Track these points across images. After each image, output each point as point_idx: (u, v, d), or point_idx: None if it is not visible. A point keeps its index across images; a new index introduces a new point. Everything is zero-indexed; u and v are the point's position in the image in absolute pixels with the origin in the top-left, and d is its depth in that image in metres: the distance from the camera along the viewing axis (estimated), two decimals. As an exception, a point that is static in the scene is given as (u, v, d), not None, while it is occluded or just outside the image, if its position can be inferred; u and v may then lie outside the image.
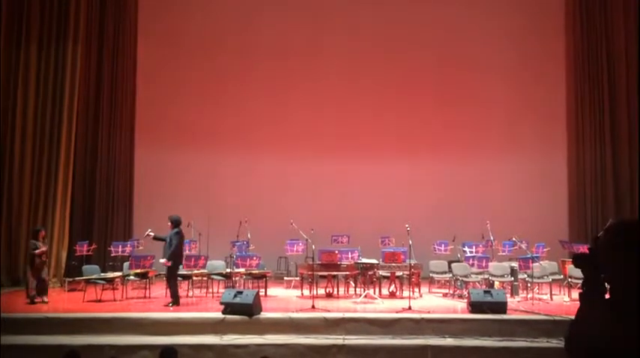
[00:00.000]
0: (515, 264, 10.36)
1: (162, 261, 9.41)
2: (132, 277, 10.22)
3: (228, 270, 10.73)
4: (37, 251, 9.54)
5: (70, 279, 10.99)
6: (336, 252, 10.56)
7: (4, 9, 11.70)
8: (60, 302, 10.08)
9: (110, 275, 10.28)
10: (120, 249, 11.45)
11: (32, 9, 11.97)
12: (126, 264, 10.54)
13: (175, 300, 9.19)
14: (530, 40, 14.12)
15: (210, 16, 14.21)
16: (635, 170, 13.42)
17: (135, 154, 13.94)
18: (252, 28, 14.24)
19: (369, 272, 10.42)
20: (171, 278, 9.41)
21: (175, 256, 9.41)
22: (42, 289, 9.56)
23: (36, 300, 9.37)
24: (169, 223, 9.61)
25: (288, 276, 12.12)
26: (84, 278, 10.05)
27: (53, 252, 11.81)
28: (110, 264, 11.84)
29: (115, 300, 9.58)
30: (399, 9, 14.24)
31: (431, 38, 14.25)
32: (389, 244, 12.17)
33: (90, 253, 11.69)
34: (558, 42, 14.16)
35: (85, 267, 10.45)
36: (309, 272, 10.10)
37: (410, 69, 14.25)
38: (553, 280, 10.53)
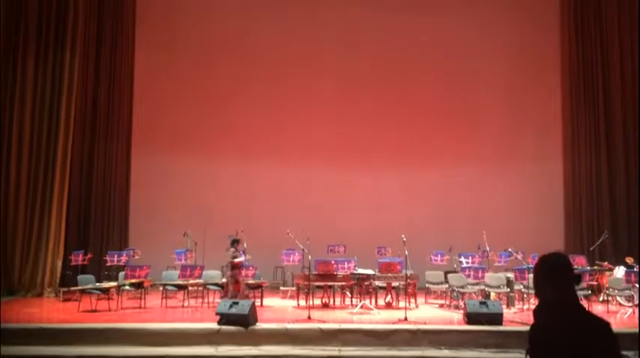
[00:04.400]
0: (511, 275, 10.36)
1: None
2: (127, 287, 10.18)
3: (224, 280, 10.69)
4: (235, 261, 9.63)
5: (65, 289, 10.92)
6: (333, 262, 10.55)
7: (1, 19, 11.72)
8: (55, 312, 10.04)
9: (105, 285, 10.22)
10: (115, 259, 11.40)
11: (30, 19, 12.00)
12: (121, 274, 10.51)
13: None
14: (526, 53, 14.23)
15: (208, 26, 14.27)
16: (632, 181, 13.49)
17: (131, 163, 13.95)
18: (250, 38, 14.30)
19: (365, 283, 10.41)
20: None
21: None
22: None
23: None
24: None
25: (284, 286, 12.10)
26: (79, 288, 10.00)
27: (48, 262, 11.77)
28: (106, 273, 11.79)
29: (110, 310, 9.52)
30: (396, 23, 14.34)
31: (428, 51, 14.34)
32: (385, 254, 12.17)
33: (85, 263, 11.65)
34: (554, 55, 14.30)
35: (80, 277, 10.40)
36: (305, 283, 10.08)
37: (406, 81, 14.32)
38: (549, 291, 10.51)
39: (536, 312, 2.46)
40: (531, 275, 8.68)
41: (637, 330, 8.14)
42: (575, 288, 2.37)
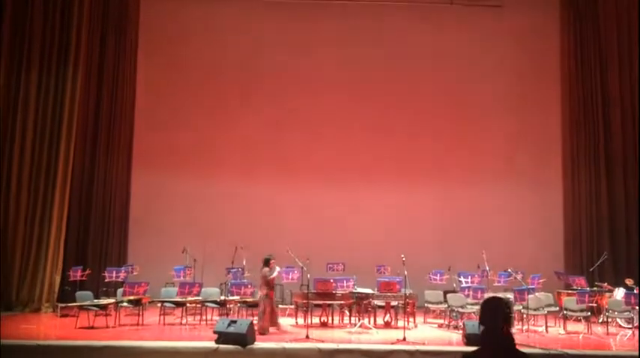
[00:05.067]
0: (510, 295, 10.32)
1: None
2: (125, 304, 10.15)
3: (223, 298, 10.66)
4: (270, 277, 9.58)
5: (63, 305, 10.88)
6: (331, 280, 10.52)
7: (6, 34, 11.83)
8: (52, 328, 10.00)
9: (103, 301, 10.19)
10: (114, 275, 11.38)
11: (34, 34, 12.09)
12: (120, 290, 10.48)
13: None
14: (527, 71, 14.37)
15: (211, 43, 14.39)
16: (630, 202, 13.49)
17: (131, 179, 14.00)
18: (252, 55, 14.41)
19: (364, 302, 10.38)
20: None
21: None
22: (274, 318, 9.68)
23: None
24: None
25: (282, 304, 12.05)
26: (77, 304, 9.96)
27: (47, 277, 11.73)
28: (104, 289, 11.77)
29: (107, 327, 9.48)
30: (398, 38, 14.46)
31: (430, 68, 14.45)
32: (385, 273, 12.14)
33: (84, 278, 11.62)
34: (555, 73, 14.37)
35: (79, 293, 10.38)
36: (304, 301, 10.05)
37: (408, 98, 14.41)
38: (548, 312, 10.49)
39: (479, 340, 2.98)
40: (531, 296, 8.76)
41: (636, 353, 8.12)
42: (507, 326, 2.92)
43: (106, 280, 11.46)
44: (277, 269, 9.82)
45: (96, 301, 10.16)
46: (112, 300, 10.29)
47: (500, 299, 3.02)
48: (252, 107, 14.26)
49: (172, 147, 14.00)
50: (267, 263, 9.66)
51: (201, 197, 13.89)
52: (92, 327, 9.41)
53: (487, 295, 9.32)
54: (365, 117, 14.27)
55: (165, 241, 12.99)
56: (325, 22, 14.51)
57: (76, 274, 11.43)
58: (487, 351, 2.91)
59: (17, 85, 11.97)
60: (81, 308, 9.83)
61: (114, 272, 11.42)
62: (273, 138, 14.24)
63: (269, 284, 9.61)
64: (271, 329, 9.42)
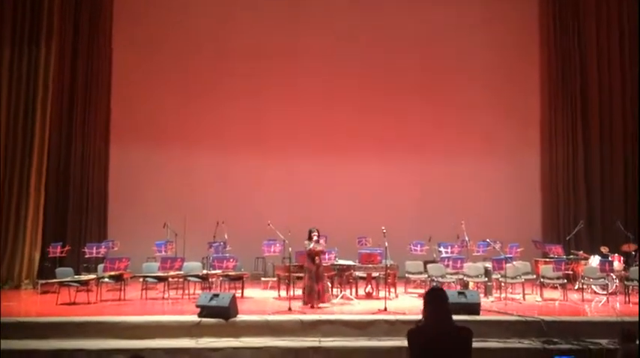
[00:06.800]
0: (489, 265, 10.52)
1: None
2: (106, 279, 10.11)
3: (205, 272, 10.69)
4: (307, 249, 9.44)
5: (43, 281, 10.81)
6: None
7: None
8: (32, 305, 9.95)
9: (84, 277, 10.13)
10: (94, 251, 11.31)
11: (4, 13, 11.78)
12: (100, 266, 10.43)
13: None
14: (507, 46, 14.35)
15: (185, 19, 14.12)
16: (606, 171, 13.75)
17: (109, 155, 13.80)
18: (229, 28, 14.17)
19: (346, 273, 10.49)
20: None
21: None
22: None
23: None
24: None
25: (265, 277, 12.12)
26: (57, 280, 9.89)
27: (26, 254, 11.64)
28: (84, 265, 11.70)
29: (89, 303, 9.46)
30: (380, 11, 14.31)
31: (412, 41, 14.35)
32: (366, 244, 12.24)
33: (63, 255, 11.55)
34: (534, 49, 14.43)
35: (59, 269, 10.30)
36: (286, 274, 10.12)
37: (389, 72, 14.32)
38: (526, 280, 10.71)
39: (420, 325, 3.62)
40: (509, 265, 8.98)
41: (610, 318, 8.37)
42: (447, 309, 3.55)
43: (87, 256, 11.39)
44: (315, 240, 9.45)
45: (77, 277, 10.10)
46: (93, 276, 10.24)
47: (440, 288, 3.97)
48: (229, 80, 14.06)
49: (151, 122, 13.79)
50: (308, 235, 9.54)
51: (180, 171, 13.79)
52: (74, 303, 9.39)
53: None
54: (345, 89, 14.17)
55: (146, 216, 12.89)
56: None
57: (56, 250, 11.33)
58: (431, 327, 3.52)
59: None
60: (61, 284, 9.75)
61: (94, 248, 11.35)
62: (252, 110, 14.10)
63: (309, 256, 9.51)
64: (322, 305, 9.19)
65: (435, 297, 3.61)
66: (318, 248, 9.53)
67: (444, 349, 3.43)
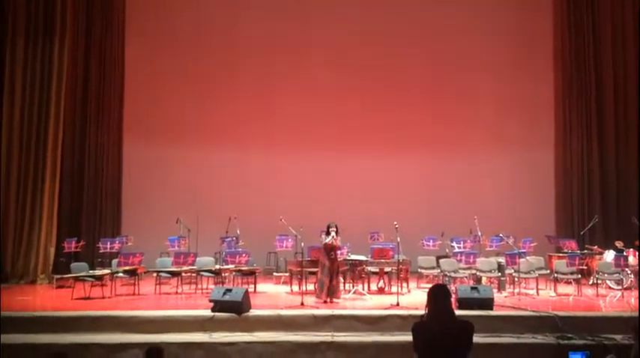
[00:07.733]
0: (502, 260, 10.46)
1: None
2: (121, 274, 10.20)
3: (218, 267, 10.74)
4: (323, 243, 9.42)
5: (59, 276, 10.93)
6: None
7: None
8: (48, 299, 10.07)
9: (99, 272, 10.23)
10: (108, 246, 11.41)
11: (18, 6, 11.86)
12: (114, 261, 10.52)
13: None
14: (519, 37, 14.23)
15: (198, 12, 14.14)
16: (621, 165, 13.59)
17: (123, 150, 13.89)
18: (240, 23, 14.18)
19: (358, 268, 10.49)
20: None
21: None
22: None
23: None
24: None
25: (277, 272, 12.15)
26: (72, 275, 10.00)
27: (41, 249, 11.77)
28: (99, 260, 11.80)
29: (103, 297, 9.55)
30: (388, 5, 14.23)
31: (420, 35, 14.28)
32: (378, 239, 12.23)
33: (78, 250, 11.67)
34: (546, 39, 14.27)
35: (74, 265, 10.42)
36: (299, 269, 10.14)
37: (399, 65, 14.27)
38: (539, 275, 10.65)
39: (423, 320, 3.99)
40: (522, 260, 8.99)
41: (625, 314, 8.29)
42: (450, 305, 3.89)
43: (101, 251, 11.49)
44: (332, 235, 9.38)
45: (91, 272, 10.20)
46: (107, 271, 10.34)
47: (443, 285, 4.28)
48: (243, 75, 14.10)
49: (164, 117, 13.87)
50: (327, 229, 9.49)
51: (193, 166, 13.85)
52: (89, 298, 9.48)
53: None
54: (357, 84, 14.13)
55: (159, 211, 12.98)
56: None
57: (71, 246, 11.45)
58: (434, 321, 3.81)
59: (2, 60, 11.79)
60: (76, 279, 9.87)
61: (108, 243, 11.45)
62: (266, 106, 14.12)
63: (324, 250, 9.48)
64: (335, 300, 9.21)
65: (437, 293, 3.89)
66: (335, 243, 9.50)
67: (446, 342, 3.70)
